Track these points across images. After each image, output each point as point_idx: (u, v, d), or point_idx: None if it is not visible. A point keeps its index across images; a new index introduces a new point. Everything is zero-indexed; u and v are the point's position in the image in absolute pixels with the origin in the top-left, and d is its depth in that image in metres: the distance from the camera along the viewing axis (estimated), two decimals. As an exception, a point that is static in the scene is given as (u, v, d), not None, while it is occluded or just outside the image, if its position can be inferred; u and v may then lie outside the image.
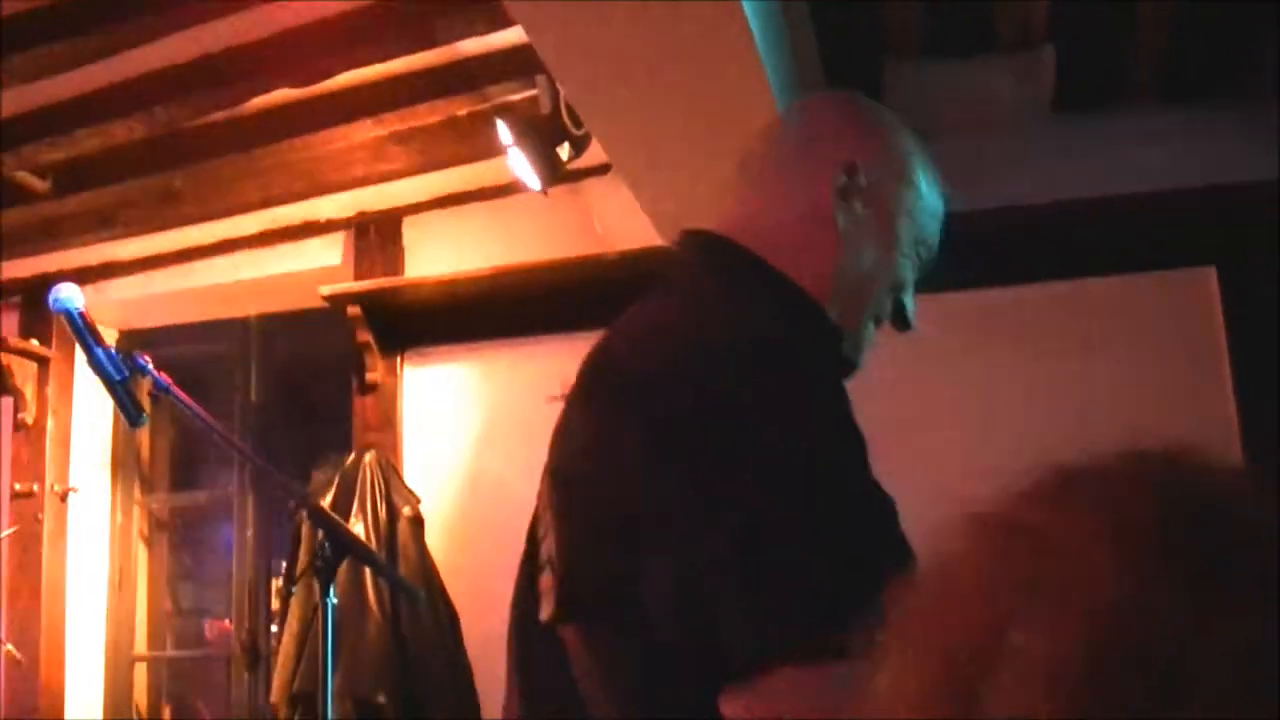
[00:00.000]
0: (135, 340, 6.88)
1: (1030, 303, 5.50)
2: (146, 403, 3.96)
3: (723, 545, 1.64)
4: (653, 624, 1.71)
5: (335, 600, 3.78)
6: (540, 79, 5.19)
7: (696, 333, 1.85)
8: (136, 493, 7.24)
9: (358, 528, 5.66)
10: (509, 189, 5.90)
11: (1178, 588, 0.78)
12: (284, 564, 6.19)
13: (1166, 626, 0.76)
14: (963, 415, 5.46)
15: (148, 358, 3.85)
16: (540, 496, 2.00)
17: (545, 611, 1.89)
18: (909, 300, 2.17)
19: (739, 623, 1.62)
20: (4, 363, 6.86)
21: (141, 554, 7.21)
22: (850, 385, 1.89)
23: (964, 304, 5.37)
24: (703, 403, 1.72)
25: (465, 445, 6.15)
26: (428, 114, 5.65)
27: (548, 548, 1.91)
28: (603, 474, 1.81)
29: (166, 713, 7.22)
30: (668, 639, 1.70)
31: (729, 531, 1.64)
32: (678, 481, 1.70)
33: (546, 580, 1.90)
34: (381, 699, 5.59)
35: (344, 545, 3.84)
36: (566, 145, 5.08)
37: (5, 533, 6.63)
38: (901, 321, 2.18)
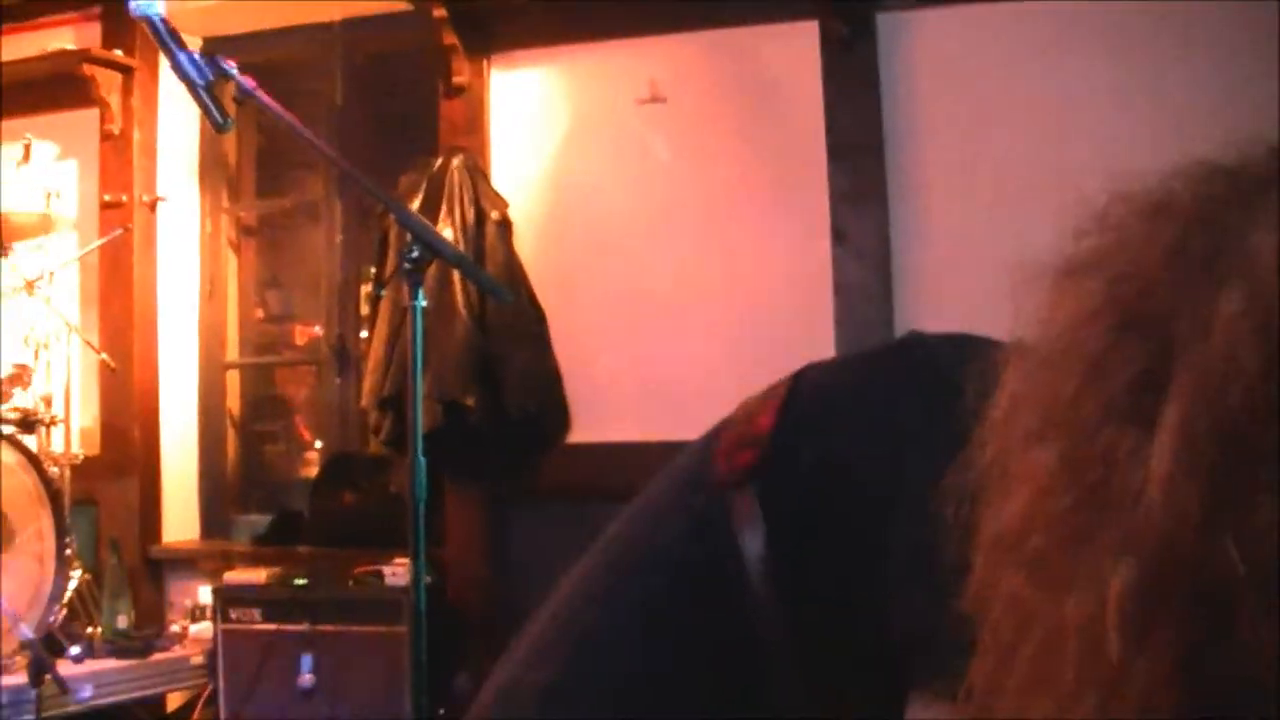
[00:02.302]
0: (219, 46, 6.82)
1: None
2: (231, 108, 3.92)
3: None
4: None
5: (424, 303, 3.79)
6: None
7: None
8: (224, 200, 7.26)
9: (445, 231, 5.65)
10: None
11: None
12: (372, 268, 6.22)
13: None
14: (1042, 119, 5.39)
15: (232, 62, 3.82)
16: None
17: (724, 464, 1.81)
18: None
19: None
20: (88, 74, 6.82)
21: (230, 261, 7.25)
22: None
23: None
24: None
25: (553, 149, 6.10)
26: None
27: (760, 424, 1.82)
28: None
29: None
30: None
31: None
32: None
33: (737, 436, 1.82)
34: (470, 400, 5.64)
35: (432, 248, 3.83)
36: None
37: (95, 243, 6.67)
38: None
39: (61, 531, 5.79)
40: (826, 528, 1.65)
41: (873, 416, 1.67)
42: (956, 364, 1.63)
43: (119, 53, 6.91)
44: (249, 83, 3.76)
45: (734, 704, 1.66)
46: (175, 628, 6.42)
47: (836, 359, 1.80)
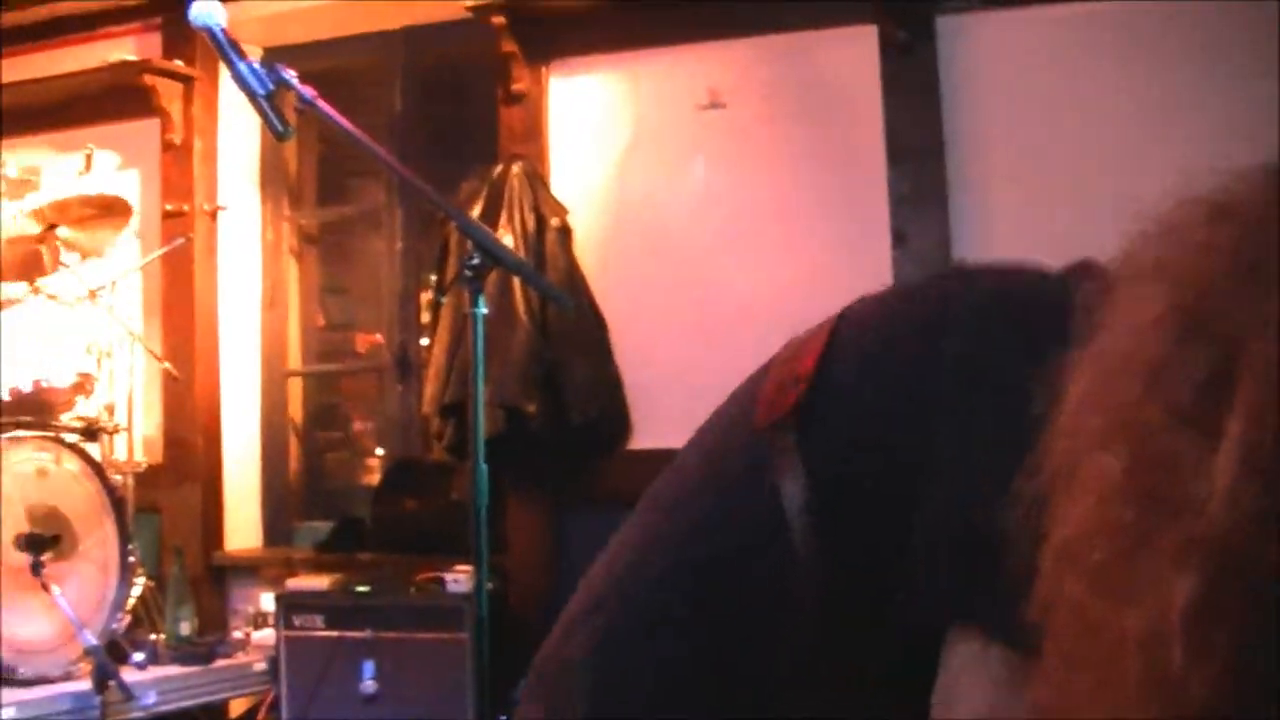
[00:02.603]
0: (278, 56, 6.84)
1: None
2: (292, 117, 3.94)
3: None
4: None
5: (485, 310, 3.80)
6: None
7: None
8: (285, 208, 7.29)
9: (506, 238, 5.66)
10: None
11: None
12: (433, 275, 6.24)
13: None
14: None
15: (292, 71, 3.83)
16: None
17: (765, 410, 1.78)
18: None
19: None
20: (149, 84, 6.87)
21: (292, 269, 7.28)
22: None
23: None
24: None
25: (613, 155, 6.10)
26: None
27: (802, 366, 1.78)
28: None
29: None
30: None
31: None
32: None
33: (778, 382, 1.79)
34: (531, 407, 5.64)
35: (493, 255, 3.83)
36: None
37: (157, 252, 6.70)
38: None
39: (125, 539, 5.83)
40: (861, 485, 1.60)
41: (902, 376, 1.61)
42: (993, 310, 1.63)
43: (180, 63, 6.95)
44: (309, 91, 3.78)
45: (765, 666, 1.64)
46: (238, 634, 6.44)
47: (881, 295, 1.74)
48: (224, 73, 3.70)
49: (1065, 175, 5.37)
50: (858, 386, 1.64)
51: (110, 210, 6.33)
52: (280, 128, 3.69)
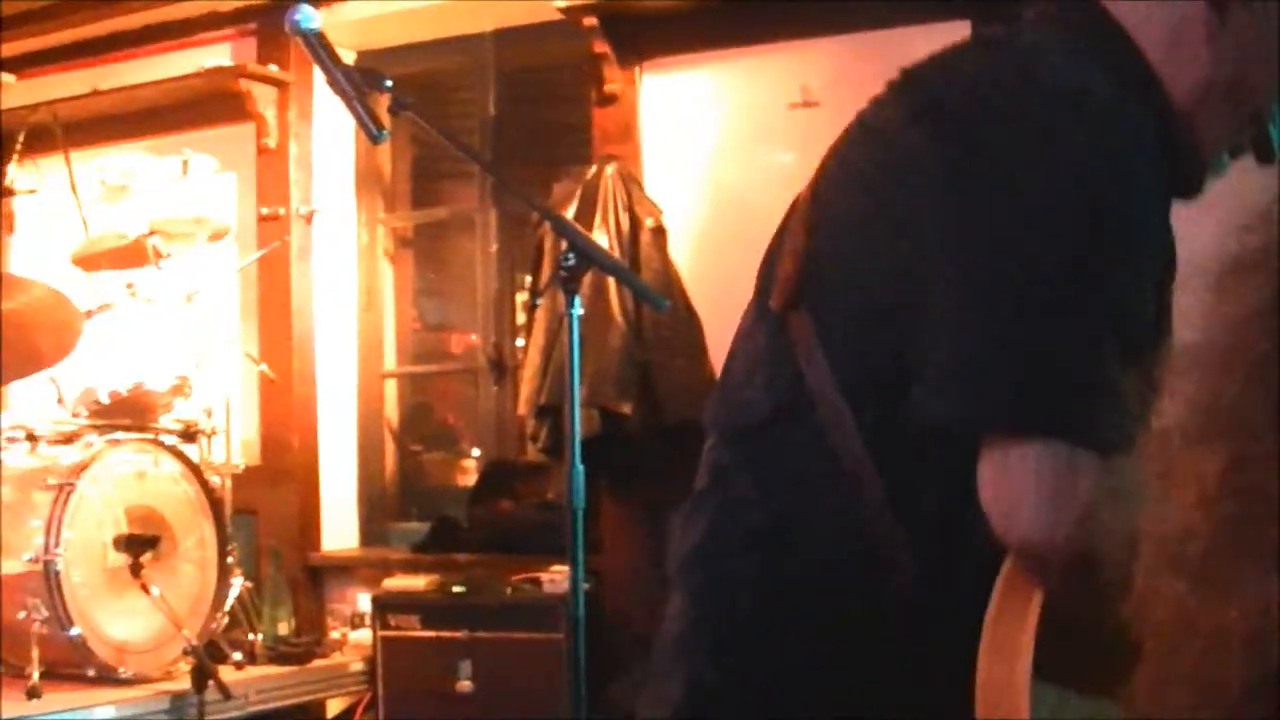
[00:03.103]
0: (372, 59, 6.89)
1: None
2: (386, 120, 3.96)
3: (983, 294, 1.60)
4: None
5: (580, 311, 3.79)
6: None
7: (1025, 77, 1.71)
8: (380, 211, 7.32)
9: (600, 239, 5.66)
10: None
11: None
12: (527, 276, 6.24)
13: None
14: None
15: (386, 74, 3.85)
16: (802, 199, 1.93)
17: (777, 298, 1.84)
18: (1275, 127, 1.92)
19: (978, 379, 1.58)
20: (244, 89, 6.92)
21: (387, 271, 7.31)
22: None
23: None
24: (1011, 146, 1.64)
25: (706, 155, 6.08)
26: None
27: (794, 244, 1.86)
28: (889, 193, 1.74)
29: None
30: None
31: (993, 280, 1.59)
32: (965, 218, 1.64)
33: (785, 268, 1.86)
34: (626, 408, 5.64)
35: (588, 255, 3.83)
36: None
37: (253, 256, 6.76)
38: (1265, 152, 1.92)
39: (223, 540, 5.88)
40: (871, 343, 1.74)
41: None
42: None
43: (274, 68, 7.00)
44: (403, 95, 3.79)
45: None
46: (335, 635, 6.49)
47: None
48: (318, 77, 3.71)
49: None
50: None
51: (206, 229, 6.40)
52: (375, 131, 3.71)
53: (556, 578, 5.59)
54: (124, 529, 5.54)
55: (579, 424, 3.81)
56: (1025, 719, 1.41)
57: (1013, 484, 1.54)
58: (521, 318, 6.59)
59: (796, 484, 1.79)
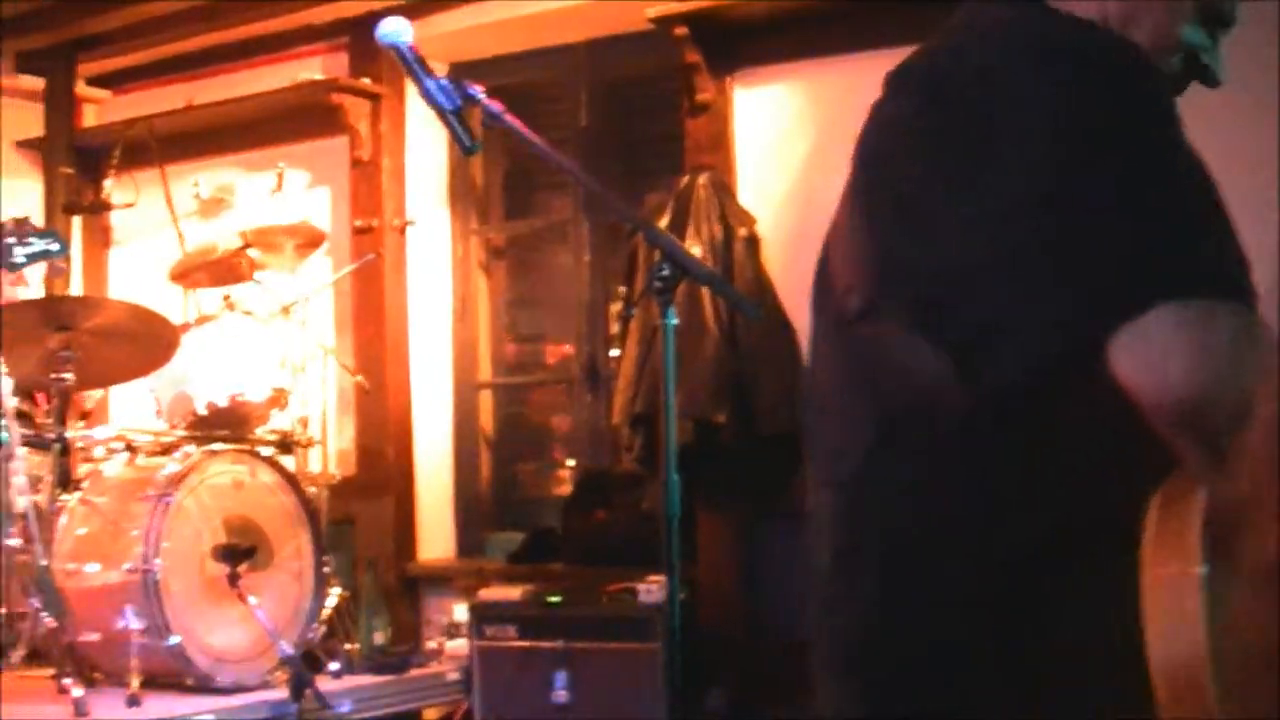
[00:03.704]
0: (464, 71, 6.91)
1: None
2: (479, 131, 3.97)
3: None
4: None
5: (675, 321, 3.78)
6: None
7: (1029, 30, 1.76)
8: (473, 222, 7.35)
9: (694, 249, 5.65)
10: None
11: None
12: (621, 287, 6.25)
13: None
14: None
15: (479, 86, 3.86)
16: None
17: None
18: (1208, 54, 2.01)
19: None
20: (337, 102, 6.98)
21: (481, 282, 7.34)
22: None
23: None
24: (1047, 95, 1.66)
25: (799, 164, 6.07)
26: None
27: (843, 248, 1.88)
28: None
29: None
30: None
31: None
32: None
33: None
34: (720, 418, 5.63)
35: (682, 265, 3.82)
36: None
37: (348, 268, 6.80)
38: (1209, 78, 2.03)
39: (319, 550, 5.92)
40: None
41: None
42: None
43: (367, 81, 7.05)
44: (496, 106, 3.79)
45: None
46: (431, 644, 6.52)
47: None
48: (411, 89, 3.73)
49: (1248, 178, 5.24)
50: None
51: (301, 236, 6.45)
52: (468, 143, 3.71)
53: (652, 588, 5.58)
54: (222, 539, 5.59)
55: (674, 434, 3.80)
56: (1199, 610, 1.37)
57: (1156, 346, 1.49)
58: (615, 328, 6.59)
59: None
